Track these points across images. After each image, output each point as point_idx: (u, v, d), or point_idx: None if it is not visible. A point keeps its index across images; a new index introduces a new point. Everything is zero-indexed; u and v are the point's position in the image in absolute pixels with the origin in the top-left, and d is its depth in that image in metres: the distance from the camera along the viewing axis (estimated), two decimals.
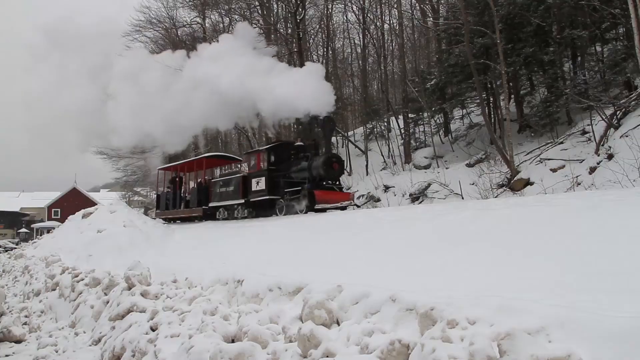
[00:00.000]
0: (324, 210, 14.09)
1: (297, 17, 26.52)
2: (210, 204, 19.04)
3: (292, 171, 15.90)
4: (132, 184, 47.41)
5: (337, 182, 15.14)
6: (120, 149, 36.17)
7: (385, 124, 28.73)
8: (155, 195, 29.04)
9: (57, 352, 7.34)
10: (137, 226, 16.97)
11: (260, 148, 17.58)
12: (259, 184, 16.46)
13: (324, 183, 14.85)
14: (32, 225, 58.16)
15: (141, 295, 7.43)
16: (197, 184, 20.80)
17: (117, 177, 46.14)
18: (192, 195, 20.78)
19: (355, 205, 15.23)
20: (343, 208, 14.49)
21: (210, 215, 19.40)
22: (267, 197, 16.03)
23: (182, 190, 22.62)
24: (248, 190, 16.95)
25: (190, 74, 19.10)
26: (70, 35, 24.53)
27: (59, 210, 58.31)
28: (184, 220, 21.52)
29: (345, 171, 24.40)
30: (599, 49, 19.39)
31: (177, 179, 23.04)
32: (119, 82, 22.20)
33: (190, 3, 32.47)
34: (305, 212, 14.22)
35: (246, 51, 18.77)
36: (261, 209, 16.94)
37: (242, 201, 17.09)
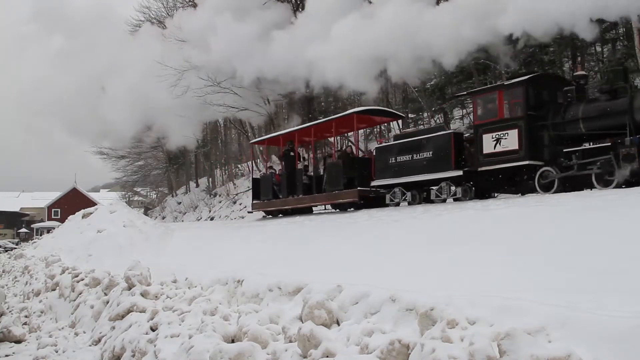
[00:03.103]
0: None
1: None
2: (376, 183, 12.82)
3: (577, 118, 9.64)
4: (132, 184, 47.44)
5: None
6: (118, 147, 36.29)
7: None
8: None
9: (57, 352, 7.34)
10: (137, 226, 16.76)
11: (505, 82, 11.10)
12: (501, 142, 10.33)
13: None
14: (32, 225, 58.13)
15: (141, 295, 7.43)
16: (342, 155, 14.33)
17: (117, 177, 46.20)
18: (329, 173, 14.22)
19: None
20: None
21: (373, 200, 13.11)
22: (525, 163, 9.96)
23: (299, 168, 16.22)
24: (471, 155, 11.04)
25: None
26: (62, 18, 24.18)
27: (59, 210, 58.25)
28: (299, 212, 15.37)
29: None
30: (599, 49, 19.40)
31: (291, 153, 16.08)
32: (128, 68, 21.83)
33: (190, 3, 32.46)
34: (620, 186, 8.68)
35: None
36: (495, 185, 11.02)
37: (457, 173, 10.89)
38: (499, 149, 10.45)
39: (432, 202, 11.56)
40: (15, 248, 36.57)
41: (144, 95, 21.26)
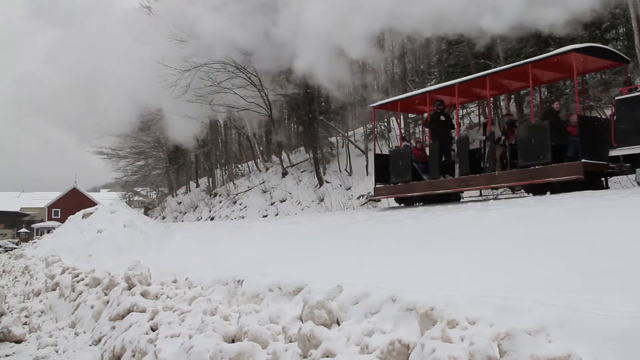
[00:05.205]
0: None
1: None
2: (621, 152, 8.97)
3: None
4: (132, 184, 47.48)
5: None
6: (118, 147, 36.26)
7: (386, 124, 28.75)
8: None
9: (57, 352, 7.34)
10: (137, 226, 16.72)
11: None
12: None
13: None
14: (32, 226, 58.17)
15: (141, 295, 7.43)
16: (547, 114, 10.90)
17: (117, 177, 46.25)
18: (524, 141, 10.19)
19: None
20: None
21: (601, 177, 9.90)
22: None
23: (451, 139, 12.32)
24: None
25: None
26: (58, 11, 24.02)
27: (59, 210, 58.29)
28: (443, 200, 11.89)
29: (345, 171, 24.36)
30: None
31: (441, 117, 12.46)
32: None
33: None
34: None
35: None
36: None
37: None
38: None
39: None
40: (16, 248, 36.59)
41: (143, 92, 21.28)
